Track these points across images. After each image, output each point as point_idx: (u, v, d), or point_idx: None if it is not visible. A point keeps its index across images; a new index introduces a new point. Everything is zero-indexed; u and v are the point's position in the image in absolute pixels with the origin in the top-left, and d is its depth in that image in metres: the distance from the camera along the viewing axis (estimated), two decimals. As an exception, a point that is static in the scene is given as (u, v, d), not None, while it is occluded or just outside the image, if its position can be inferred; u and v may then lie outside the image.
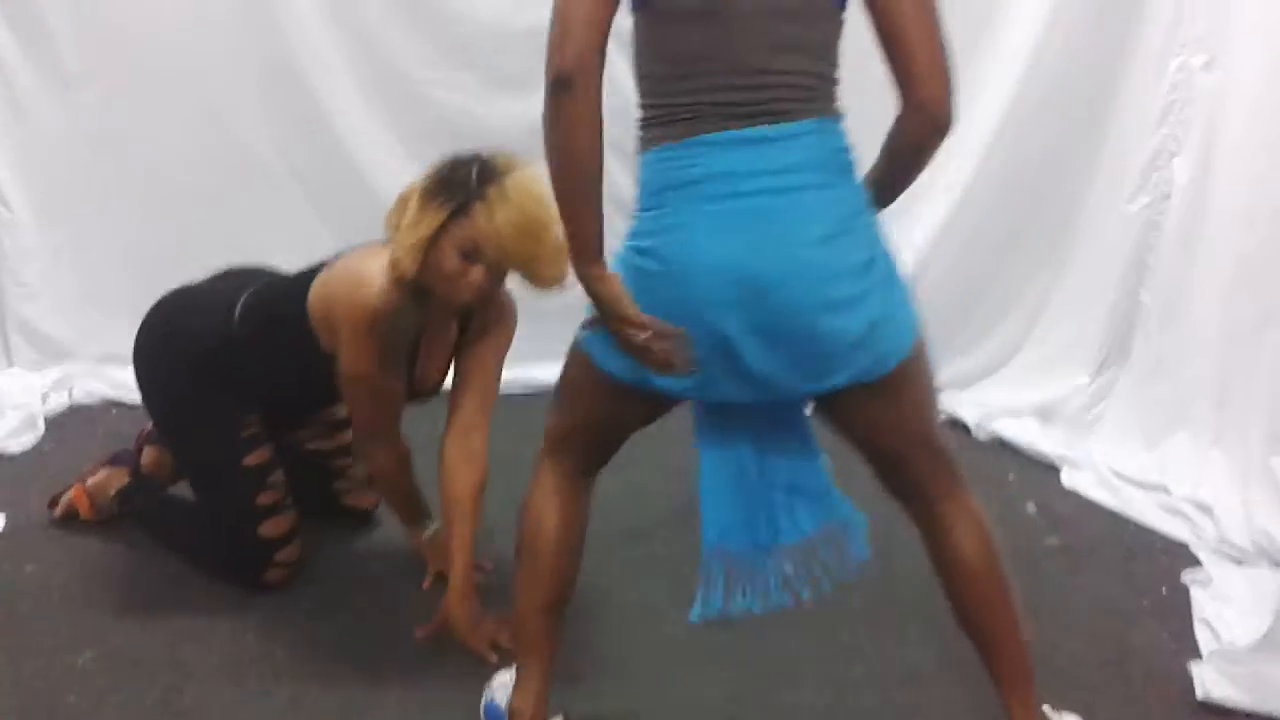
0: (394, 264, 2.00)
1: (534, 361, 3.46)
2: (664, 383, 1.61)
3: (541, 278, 2.02)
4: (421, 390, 2.30)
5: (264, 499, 2.29)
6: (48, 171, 3.28)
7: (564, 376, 1.79)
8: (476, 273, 1.99)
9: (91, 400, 3.29)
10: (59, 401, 3.26)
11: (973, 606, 1.76)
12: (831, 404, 1.66)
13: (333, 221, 3.34)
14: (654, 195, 1.58)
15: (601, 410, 1.76)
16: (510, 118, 3.25)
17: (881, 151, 1.63)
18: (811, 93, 1.54)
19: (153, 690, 2.04)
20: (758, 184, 1.51)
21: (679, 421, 1.83)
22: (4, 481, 2.83)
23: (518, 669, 1.86)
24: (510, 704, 1.84)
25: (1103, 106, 3.02)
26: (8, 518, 2.60)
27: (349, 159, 3.33)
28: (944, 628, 2.05)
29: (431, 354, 2.27)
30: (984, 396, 3.24)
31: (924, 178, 1.71)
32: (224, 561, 2.35)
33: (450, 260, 1.97)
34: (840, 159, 1.58)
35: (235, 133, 3.28)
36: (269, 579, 2.33)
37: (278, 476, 2.33)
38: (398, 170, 3.30)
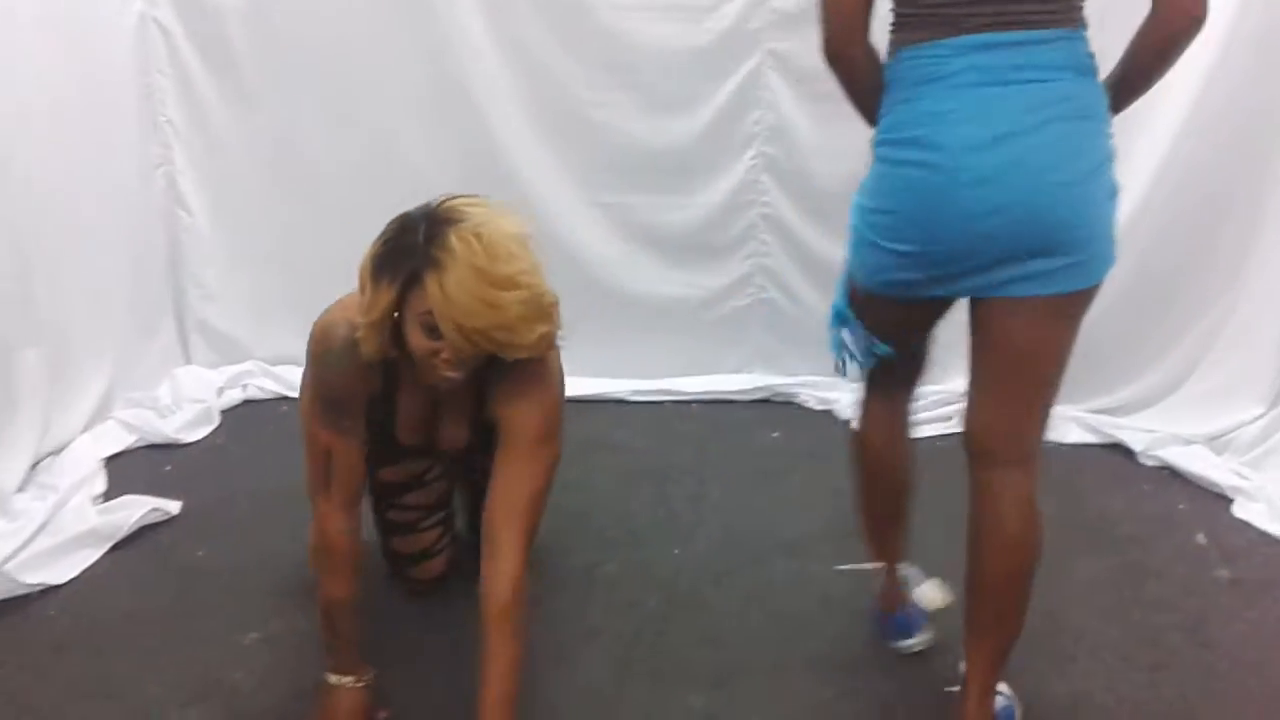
0: (360, 345, 1.72)
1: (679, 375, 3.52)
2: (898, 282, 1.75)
3: (515, 347, 1.65)
4: (443, 451, 2.07)
5: (393, 515, 2.26)
6: (227, 182, 3.45)
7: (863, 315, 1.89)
8: (449, 349, 1.65)
9: (264, 396, 3.43)
10: (233, 396, 3.41)
11: (991, 578, 1.79)
12: (999, 303, 1.70)
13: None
14: (910, 88, 1.66)
15: (891, 320, 1.85)
16: (670, 137, 3.34)
17: (1124, 54, 1.68)
18: (1064, 5, 1.61)
19: (312, 670, 2.09)
20: (1019, 74, 1.59)
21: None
22: (181, 470, 2.97)
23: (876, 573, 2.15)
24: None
25: (1285, 124, 2.90)
26: (183, 504, 2.72)
27: (510, 176, 3.38)
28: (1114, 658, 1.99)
29: (438, 415, 1.99)
30: (1152, 423, 3.13)
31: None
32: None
33: (417, 339, 1.66)
34: (1088, 63, 1.64)
35: (402, 150, 3.38)
36: (412, 589, 2.35)
37: (418, 497, 2.26)
38: (555, 183, 3.38)
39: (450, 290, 1.57)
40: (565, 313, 3.52)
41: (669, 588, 2.41)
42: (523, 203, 3.30)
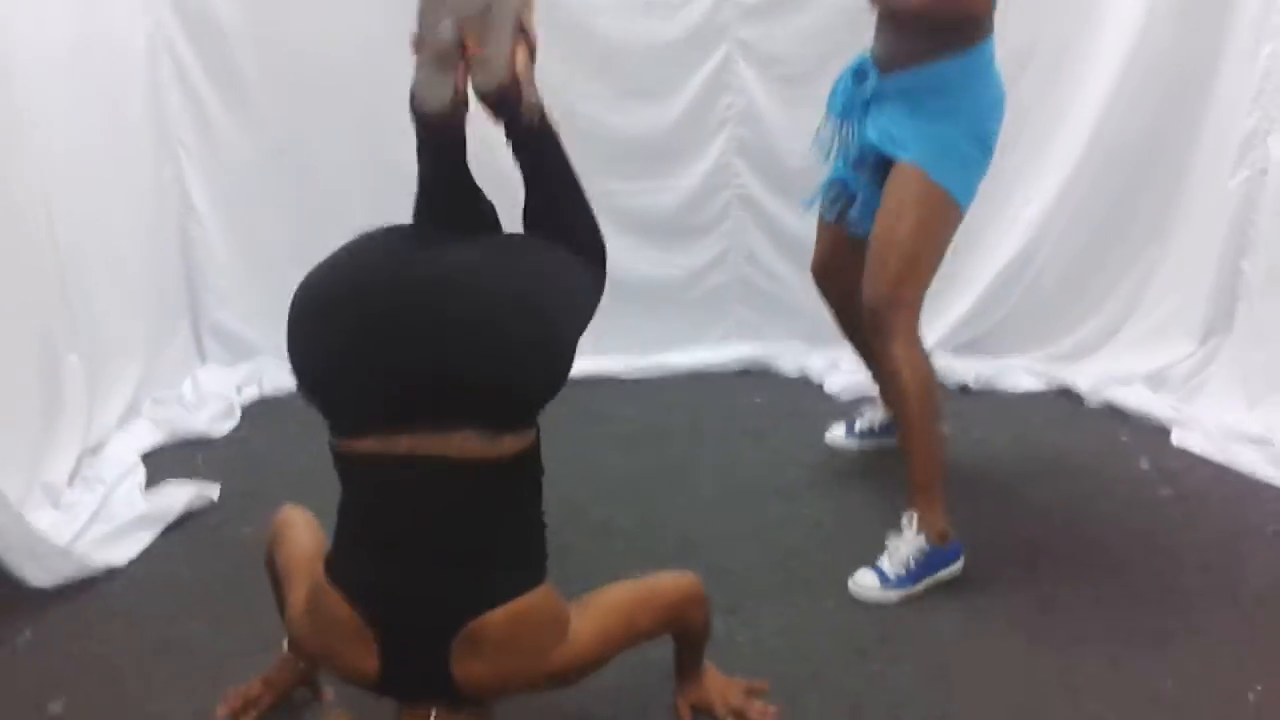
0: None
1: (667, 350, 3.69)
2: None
3: None
4: None
5: None
6: (231, 182, 3.60)
7: (926, 243, 2.33)
8: None
9: (279, 393, 3.57)
10: (251, 393, 3.60)
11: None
12: None
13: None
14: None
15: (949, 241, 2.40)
16: (644, 126, 3.54)
17: None
18: None
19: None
20: None
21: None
22: (212, 462, 3.16)
23: None
24: None
25: (1201, 90, 3.21)
26: (221, 489, 2.93)
27: (500, 171, 3.59)
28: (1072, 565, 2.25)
29: None
30: (1096, 367, 3.41)
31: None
32: None
33: None
34: None
35: (396, 158, 3.51)
36: None
37: None
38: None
39: None
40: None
41: (679, 533, 2.66)
42: (513, 197, 3.56)
